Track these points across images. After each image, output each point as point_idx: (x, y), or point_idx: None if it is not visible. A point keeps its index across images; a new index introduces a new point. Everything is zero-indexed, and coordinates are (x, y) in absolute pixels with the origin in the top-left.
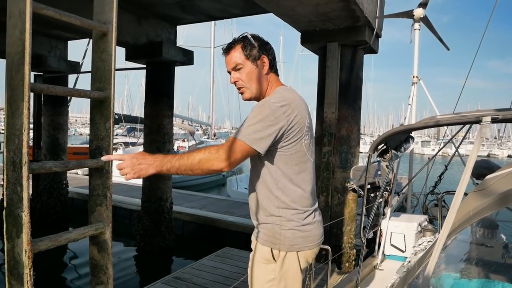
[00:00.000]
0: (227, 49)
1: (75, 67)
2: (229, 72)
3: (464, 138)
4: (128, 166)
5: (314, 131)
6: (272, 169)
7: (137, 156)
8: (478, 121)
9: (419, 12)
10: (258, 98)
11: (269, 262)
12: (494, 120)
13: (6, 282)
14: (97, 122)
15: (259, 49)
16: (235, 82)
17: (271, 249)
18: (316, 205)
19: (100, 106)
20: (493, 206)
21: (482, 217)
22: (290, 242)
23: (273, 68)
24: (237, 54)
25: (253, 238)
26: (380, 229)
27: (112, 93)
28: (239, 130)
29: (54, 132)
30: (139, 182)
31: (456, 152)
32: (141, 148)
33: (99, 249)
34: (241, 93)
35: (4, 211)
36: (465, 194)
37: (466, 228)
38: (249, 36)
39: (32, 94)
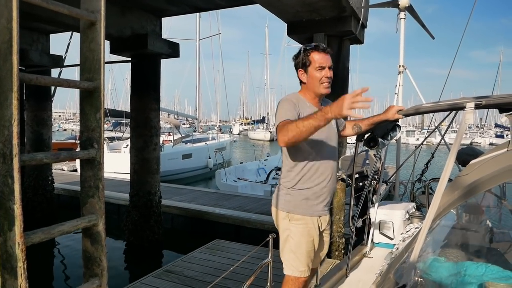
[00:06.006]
0: (327, 49)
1: (58, 61)
2: (324, 68)
3: (449, 126)
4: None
5: None
6: None
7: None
8: (462, 107)
9: (404, 2)
10: None
11: None
12: (477, 106)
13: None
14: (87, 113)
15: None
16: (329, 78)
17: None
18: None
19: (90, 97)
20: (477, 189)
21: (466, 199)
22: None
23: None
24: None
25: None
26: (369, 218)
27: (102, 84)
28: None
29: (38, 127)
30: (127, 177)
31: (442, 140)
32: (126, 143)
33: (92, 241)
34: (327, 88)
35: None
36: (451, 180)
37: (452, 213)
38: None
39: None
